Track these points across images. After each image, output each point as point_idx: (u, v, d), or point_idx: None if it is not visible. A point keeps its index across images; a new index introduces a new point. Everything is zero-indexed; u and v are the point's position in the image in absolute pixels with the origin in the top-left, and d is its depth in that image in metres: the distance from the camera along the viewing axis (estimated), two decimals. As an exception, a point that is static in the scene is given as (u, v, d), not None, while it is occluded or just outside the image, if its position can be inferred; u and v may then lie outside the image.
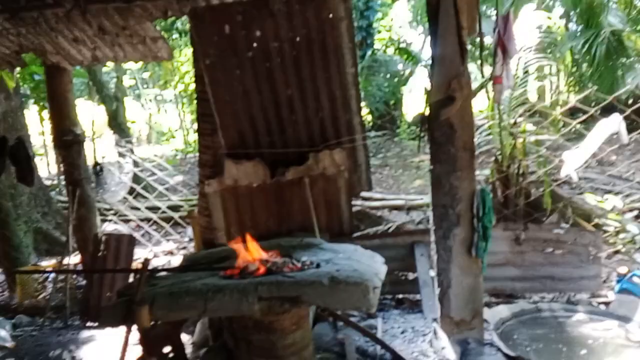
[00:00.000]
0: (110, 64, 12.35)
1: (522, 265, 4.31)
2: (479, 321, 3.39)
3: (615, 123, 4.18)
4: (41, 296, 5.28)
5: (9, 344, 4.18)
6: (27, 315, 4.86)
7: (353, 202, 4.85)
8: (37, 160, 8.74)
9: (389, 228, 5.59)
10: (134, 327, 2.56)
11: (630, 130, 4.91)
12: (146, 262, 2.87)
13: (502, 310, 3.79)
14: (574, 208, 5.11)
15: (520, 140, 5.08)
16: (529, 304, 3.95)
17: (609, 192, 6.60)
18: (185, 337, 3.42)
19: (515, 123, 5.28)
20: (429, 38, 3.36)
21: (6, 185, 5.70)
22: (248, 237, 2.95)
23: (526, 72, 5.93)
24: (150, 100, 19.21)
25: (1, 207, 5.68)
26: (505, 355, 3.20)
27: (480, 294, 3.38)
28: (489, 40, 6.69)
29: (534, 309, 3.83)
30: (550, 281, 4.27)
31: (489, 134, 5.52)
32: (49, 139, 11.99)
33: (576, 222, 4.90)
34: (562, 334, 3.55)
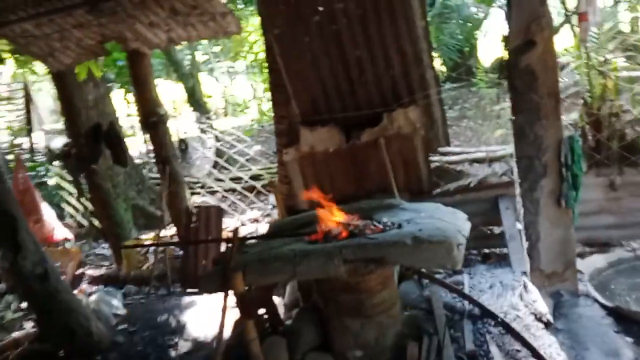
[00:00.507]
0: (184, 43, 12.79)
1: (618, 212, 4.05)
2: (572, 272, 3.27)
3: None
4: (145, 267, 5.74)
5: (122, 311, 4.62)
6: (134, 285, 5.32)
7: (431, 159, 4.76)
8: (127, 141, 9.36)
9: (470, 183, 5.44)
10: (230, 292, 2.74)
11: None
12: (236, 231, 3.04)
13: (598, 260, 3.62)
14: (676, 147, 4.67)
15: (612, 78, 4.68)
16: (626, 252, 3.74)
17: None
18: (277, 299, 3.60)
19: (605, 60, 4.86)
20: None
21: (104, 168, 6.16)
22: (328, 202, 3.02)
23: (616, 2, 5.41)
24: (223, 73, 19.69)
25: (102, 188, 6.17)
26: (603, 306, 3.08)
27: (573, 245, 3.25)
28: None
29: (632, 257, 3.63)
30: (650, 227, 4.00)
31: (577, 75, 5.13)
32: (136, 120, 12.75)
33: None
34: (664, 283, 3.34)
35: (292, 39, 4.23)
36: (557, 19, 5.09)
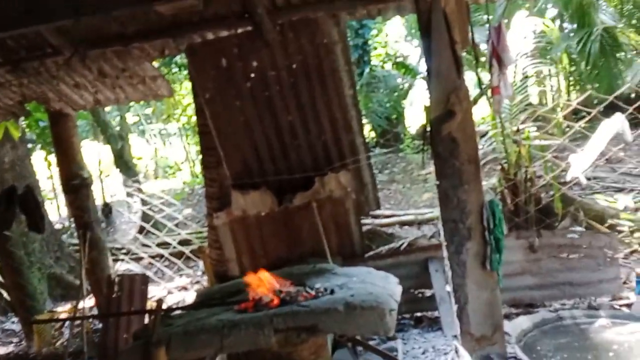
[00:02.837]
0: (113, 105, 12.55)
1: (538, 273, 4.25)
2: (500, 335, 3.32)
3: (618, 123, 4.16)
4: (59, 343, 5.26)
5: (30, 394, 4.15)
6: (46, 363, 4.84)
7: (363, 222, 4.82)
8: (47, 204, 8.83)
9: (400, 245, 5.55)
10: (152, 370, 2.54)
11: (633, 126, 4.89)
12: (160, 302, 2.86)
13: (523, 322, 3.71)
14: (585, 210, 5.06)
15: (525, 146, 5.06)
16: (549, 313, 3.88)
17: (619, 190, 6.53)
18: (204, 375, 3.37)
19: (518, 130, 5.26)
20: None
21: (17, 234, 5.73)
22: (260, 269, 2.94)
23: (525, 77, 5.94)
24: (155, 135, 19.40)
25: (14, 256, 5.70)
26: (530, 368, 3.13)
27: (499, 307, 3.32)
28: (484, 46, 6.73)
29: (555, 318, 3.75)
30: (569, 287, 4.21)
31: (494, 143, 5.51)
32: (57, 183, 12.11)
33: (589, 224, 4.84)
34: (586, 341, 3.47)
35: (223, 103, 4.26)
36: (474, 90, 5.49)
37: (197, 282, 6.75)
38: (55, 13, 3.32)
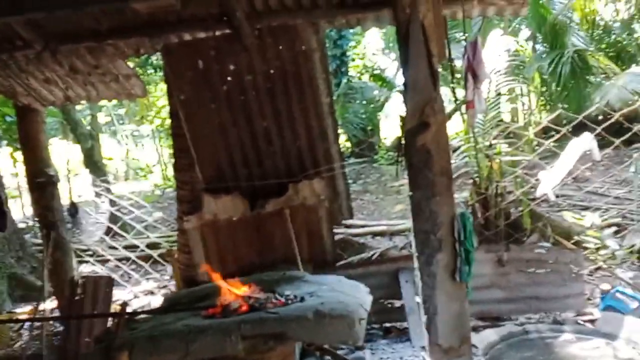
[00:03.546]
0: (84, 102, 12.29)
1: (506, 286, 4.30)
2: (468, 347, 3.34)
3: (586, 141, 4.27)
4: (17, 345, 5.08)
5: (-18, 398, 3.98)
6: (1, 366, 4.66)
7: (335, 231, 4.81)
8: (10, 202, 8.55)
9: (372, 255, 5.55)
10: (113, 376, 2.46)
11: (601, 146, 5.03)
12: (124, 305, 2.79)
13: (490, 335, 3.76)
14: (553, 226, 5.16)
15: (496, 161, 5.14)
16: (516, 327, 3.93)
17: (586, 208, 6.70)
18: (167, 382, 3.28)
19: (490, 145, 5.35)
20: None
21: (-23, 232, 5.52)
22: (230, 274, 2.90)
23: (498, 94, 6.06)
24: (127, 137, 19.08)
25: (-28, 254, 5.50)
26: (496, 380, 3.16)
27: (467, 319, 3.34)
28: (460, 63, 6.85)
29: (522, 331, 3.81)
30: (535, 301, 4.27)
31: (466, 157, 5.58)
32: (23, 180, 11.75)
33: (557, 240, 4.94)
34: (550, 355, 3.52)
35: (198, 106, 4.21)
36: (449, 105, 5.57)
37: (165, 287, 6.61)
38: (27, 6, 3.24)
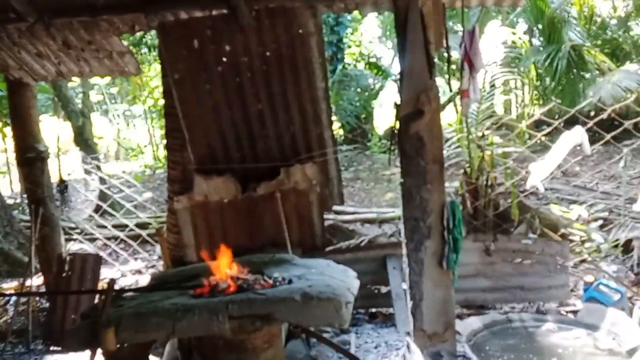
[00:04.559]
0: (76, 79, 12.14)
1: (492, 275, 4.35)
2: (452, 333, 3.40)
3: (578, 135, 4.30)
4: (2, 320, 5.07)
5: (-33, 371, 3.98)
6: (-14, 340, 4.64)
7: (325, 216, 4.83)
8: (-2, 178, 8.46)
9: (361, 242, 5.59)
10: (99, 351, 2.47)
11: (592, 142, 5.07)
12: (112, 282, 2.78)
13: (474, 322, 3.81)
14: (541, 218, 5.21)
15: (488, 152, 5.17)
16: (499, 315, 3.99)
17: (574, 202, 6.76)
18: (154, 359, 3.31)
19: (482, 136, 5.38)
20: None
21: (-36, 206, 5.48)
22: (218, 253, 2.90)
23: (492, 85, 6.07)
24: (119, 116, 18.90)
25: (-41, 227, 5.45)
26: (478, 367, 3.21)
27: (452, 306, 3.39)
28: (456, 55, 6.84)
29: (505, 320, 3.87)
30: (520, 291, 4.33)
31: (458, 147, 5.60)
32: (12, 156, 11.63)
33: (543, 232, 4.99)
34: (532, 344, 3.59)
35: (192, 85, 4.18)
36: (443, 96, 5.58)
37: (153, 267, 6.61)
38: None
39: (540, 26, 10.35)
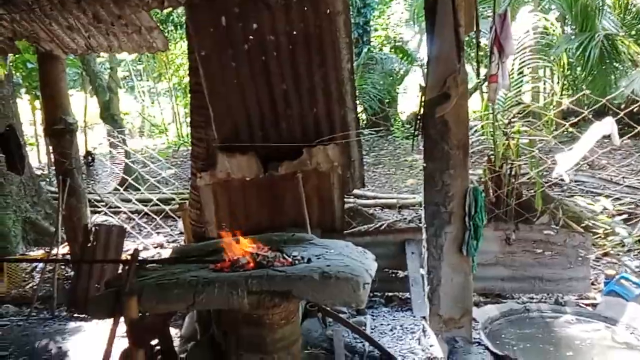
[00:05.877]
0: (104, 55, 12.28)
1: (511, 265, 4.32)
2: (468, 320, 3.39)
3: (607, 126, 4.19)
4: (28, 286, 5.23)
5: (-5, 333, 4.14)
6: (13, 304, 4.81)
7: (345, 199, 4.84)
8: (27, 149, 8.66)
9: (380, 226, 5.60)
10: (122, 319, 2.54)
11: (621, 134, 4.94)
12: (135, 252, 2.84)
13: (491, 310, 3.80)
14: (564, 210, 5.14)
15: (514, 140, 5.09)
16: (517, 304, 3.97)
17: (599, 195, 6.63)
18: (173, 330, 3.39)
19: (509, 123, 5.29)
20: (425, 37, 3.35)
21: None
22: (239, 231, 2.94)
23: (521, 72, 5.94)
24: (144, 93, 19.10)
25: (-11, 195, 5.62)
26: (493, 354, 3.21)
27: (470, 292, 3.39)
28: (484, 41, 6.71)
29: (523, 309, 3.85)
30: (539, 282, 4.29)
31: (483, 134, 5.53)
32: (40, 129, 11.89)
33: (566, 223, 4.93)
34: (549, 335, 3.57)
35: (219, 63, 4.19)
36: (470, 84, 5.48)
37: (174, 241, 6.73)
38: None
39: (573, 13, 10.03)
